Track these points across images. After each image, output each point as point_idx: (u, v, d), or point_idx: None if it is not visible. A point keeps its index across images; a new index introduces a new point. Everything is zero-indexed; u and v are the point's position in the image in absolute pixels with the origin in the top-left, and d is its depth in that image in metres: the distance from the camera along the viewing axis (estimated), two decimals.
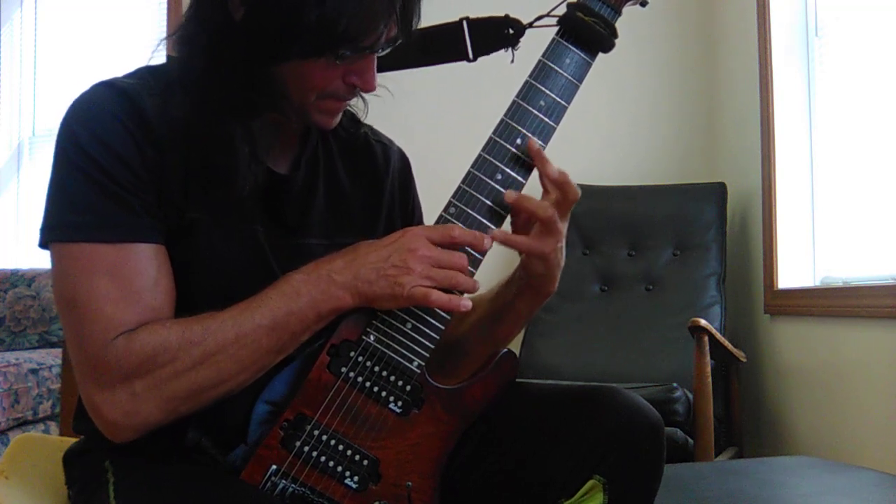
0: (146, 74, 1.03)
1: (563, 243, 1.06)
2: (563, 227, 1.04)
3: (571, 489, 1.00)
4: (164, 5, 3.31)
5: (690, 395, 2.29)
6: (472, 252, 1.02)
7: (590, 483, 0.99)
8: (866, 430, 2.28)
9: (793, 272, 2.70)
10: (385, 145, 1.22)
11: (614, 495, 0.99)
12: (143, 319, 0.94)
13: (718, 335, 2.42)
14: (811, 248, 2.71)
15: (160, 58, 1.06)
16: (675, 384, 2.27)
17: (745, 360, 2.65)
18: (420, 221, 1.24)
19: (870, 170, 2.45)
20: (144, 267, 0.95)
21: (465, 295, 1.01)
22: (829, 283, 2.63)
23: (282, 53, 0.96)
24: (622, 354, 2.65)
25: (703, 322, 2.28)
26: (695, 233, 2.83)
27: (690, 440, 2.26)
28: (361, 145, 1.19)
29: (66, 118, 0.98)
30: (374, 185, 1.18)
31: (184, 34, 1.02)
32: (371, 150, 1.19)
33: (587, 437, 1.00)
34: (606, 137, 3.16)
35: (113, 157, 0.95)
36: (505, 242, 1.03)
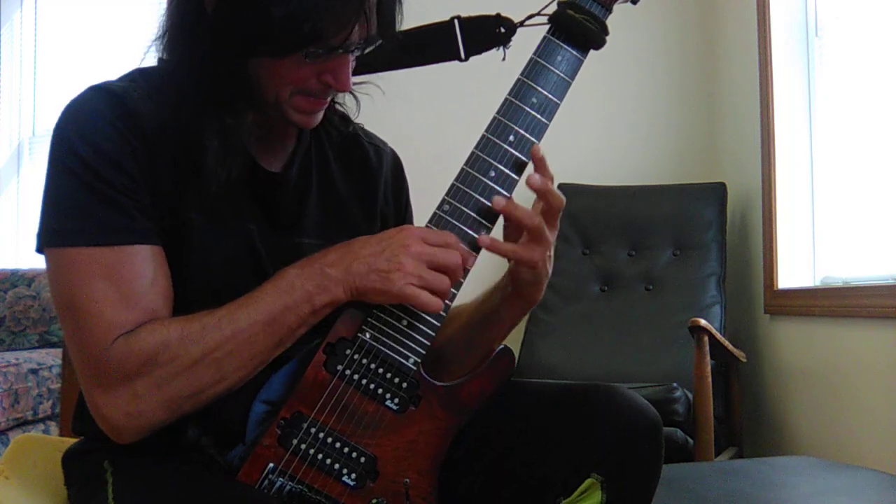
0: (137, 76, 1.04)
1: (552, 252, 1.06)
2: (552, 236, 1.04)
3: (570, 488, 1.00)
4: (164, 5, 3.31)
5: (690, 395, 2.29)
6: (475, 234, 1.02)
7: (588, 481, 0.99)
8: (866, 430, 2.28)
9: (793, 272, 2.70)
10: (378, 147, 1.22)
11: (613, 494, 0.99)
12: (141, 320, 0.94)
13: (718, 335, 2.41)
14: (811, 248, 2.71)
15: (154, 59, 1.07)
16: (675, 384, 2.27)
17: (745, 360, 2.65)
18: (411, 223, 1.24)
19: (869, 170, 2.45)
20: (141, 268, 0.95)
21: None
22: (829, 283, 2.63)
23: (251, 49, 0.96)
24: (622, 354, 2.65)
25: (703, 322, 2.28)
26: (695, 233, 2.83)
27: (690, 440, 2.26)
28: (355, 146, 1.19)
29: (59, 123, 0.99)
30: (368, 185, 1.18)
31: (164, 31, 1.03)
32: (364, 151, 1.19)
33: (586, 436, 1.00)
34: (606, 137, 3.16)
35: (106, 160, 0.95)
36: (492, 249, 1.02)
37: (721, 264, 2.78)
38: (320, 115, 1.07)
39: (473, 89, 2.31)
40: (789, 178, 2.72)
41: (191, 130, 0.99)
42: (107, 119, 0.97)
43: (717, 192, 2.88)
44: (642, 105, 3.18)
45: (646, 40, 3.14)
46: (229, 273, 1.02)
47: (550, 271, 1.08)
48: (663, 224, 2.87)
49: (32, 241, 0.99)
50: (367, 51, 1.00)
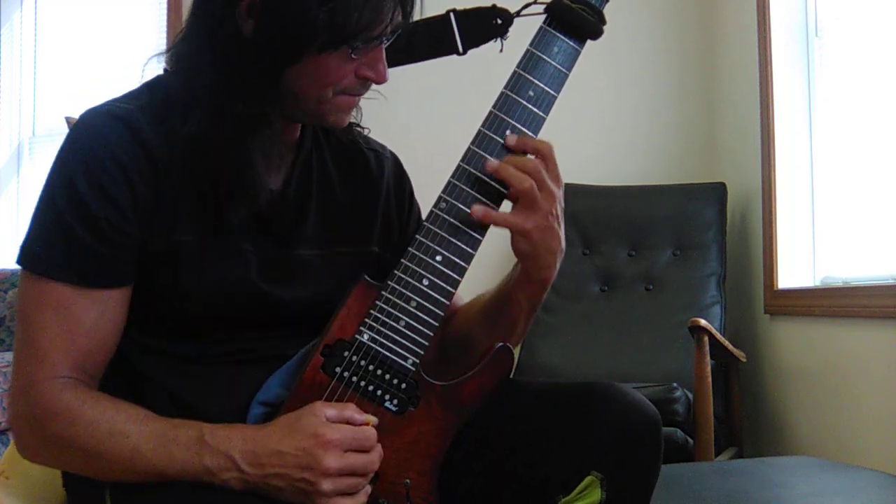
0: (145, 92, 1.03)
1: (558, 228, 1.04)
2: (549, 204, 1.02)
3: (570, 486, 1.00)
4: (164, 5, 3.31)
5: (690, 395, 2.28)
6: (472, 232, 1.02)
7: (587, 479, 0.99)
8: (866, 430, 2.28)
9: (793, 272, 2.69)
10: (377, 152, 1.21)
11: (612, 492, 0.99)
12: (72, 362, 0.96)
13: (718, 335, 2.41)
14: (811, 248, 2.71)
15: (155, 67, 1.06)
16: (675, 384, 2.27)
17: (745, 360, 2.64)
18: (418, 217, 1.23)
19: (869, 170, 2.45)
20: (85, 310, 0.97)
21: None
22: (829, 283, 2.63)
23: (297, 55, 0.96)
24: (622, 354, 2.65)
25: (703, 322, 2.27)
26: (695, 233, 2.83)
27: (690, 440, 2.26)
28: (354, 153, 1.18)
29: (64, 150, 0.99)
30: (369, 193, 1.17)
31: (186, 49, 1.02)
32: (364, 157, 1.18)
33: (585, 434, 1.01)
34: (607, 137, 3.16)
35: (101, 194, 0.96)
36: (484, 218, 1.02)
37: (721, 264, 2.77)
38: (351, 114, 1.08)
39: (472, 83, 2.31)
40: (789, 178, 2.72)
41: (234, 152, 0.99)
42: (111, 150, 0.97)
43: (717, 192, 2.88)
44: (642, 105, 3.18)
45: (646, 40, 3.14)
46: (223, 292, 1.02)
47: (560, 249, 1.06)
48: (663, 224, 2.87)
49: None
50: (393, 38, 1.01)
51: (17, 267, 0.99)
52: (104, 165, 0.96)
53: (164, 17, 3.30)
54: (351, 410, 0.97)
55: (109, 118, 0.99)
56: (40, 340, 0.96)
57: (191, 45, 1.01)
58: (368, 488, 0.97)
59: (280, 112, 1.03)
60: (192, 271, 1.00)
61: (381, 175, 1.19)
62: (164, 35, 3.28)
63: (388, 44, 1.01)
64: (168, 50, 1.05)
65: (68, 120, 2.30)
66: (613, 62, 3.05)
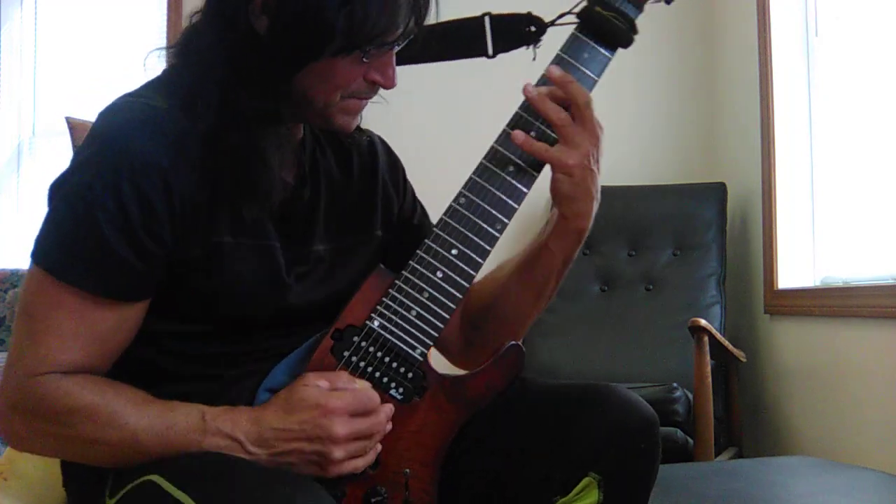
0: (168, 88, 1.01)
1: (594, 167, 1.05)
2: (590, 143, 1.04)
3: (568, 487, 1.00)
4: (164, 5, 3.31)
5: (690, 395, 2.29)
6: (490, 229, 1.03)
7: (585, 480, 0.99)
8: (866, 430, 2.28)
9: (793, 272, 2.70)
10: (367, 137, 1.20)
11: (610, 492, 0.99)
12: (78, 362, 0.95)
13: (718, 335, 2.42)
14: (811, 248, 2.71)
15: (156, 61, 1.05)
16: (675, 384, 2.28)
17: (744, 360, 2.65)
18: (413, 197, 1.23)
19: (869, 170, 2.45)
20: (102, 318, 0.95)
21: None
22: (829, 283, 2.63)
23: (309, 57, 0.96)
24: (622, 354, 2.65)
25: (703, 322, 2.28)
26: (695, 233, 2.83)
27: (690, 440, 2.26)
28: (350, 143, 1.17)
29: (97, 152, 0.95)
30: (368, 180, 1.17)
31: (196, 45, 1.00)
32: (359, 146, 1.18)
33: (583, 436, 1.01)
34: (607, 138, 3.13)
35: (140, 203, 0.93)
36: (524, 146, 1.02)
37: (721, 264, 2.78)
38: (360, 117, 1.07)
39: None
40: (789, 178, 2.72)
41: (250, 151, 0.97)
42: (148, 154, 0.94)
43: (717, 192, 2.88)
44: (642, 105, 3.18)
45: (646, 40, 3.11)
46: (253, 291, 1.01)
47: (596, 196, 1.07)
48: (663, 224, 2.88)
49: (32, 244, 0.98)
50: (403, 45, 1.00)
51: (17, 267, 0.98)
52: (145, 171, 0.93)
53: (165, 17, 3.30)
54: (343, 380, 0.97)
55: (145, 117, 0.96)
56: (49, 340, 0.94)
57: (201, 40, 1.00)
58: (378, 446, 0.98)
59: (292, 113, 1.02)
60: (226, 272, 0.99)
61: (376, 159, 1.19)
62: (164, 35, 3.28)
63: (398, 49, 1.01)
64: (176, 45, 1.03)
65: (69, 120, 2.29)
66: (613, 63, 3.04)
